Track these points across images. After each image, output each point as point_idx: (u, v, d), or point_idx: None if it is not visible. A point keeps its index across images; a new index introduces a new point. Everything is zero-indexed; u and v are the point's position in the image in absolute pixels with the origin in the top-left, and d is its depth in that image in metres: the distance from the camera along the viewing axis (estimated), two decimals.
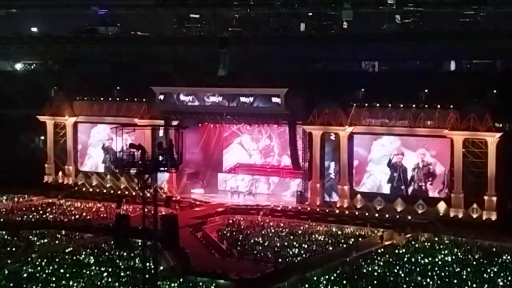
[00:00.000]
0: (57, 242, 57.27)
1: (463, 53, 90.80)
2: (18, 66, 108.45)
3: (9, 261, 49.72)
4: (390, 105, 66.15)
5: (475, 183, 62.18)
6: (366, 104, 67.23)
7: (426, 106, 64.83)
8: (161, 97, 73.79)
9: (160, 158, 33.84)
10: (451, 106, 63.57)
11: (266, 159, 78.75)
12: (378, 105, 66.67)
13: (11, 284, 44.68)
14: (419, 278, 46.30)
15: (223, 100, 71.19)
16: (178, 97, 73.10)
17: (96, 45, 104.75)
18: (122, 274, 46.89)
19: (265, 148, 78.86)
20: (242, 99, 70.20)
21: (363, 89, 70.06)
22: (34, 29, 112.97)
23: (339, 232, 59.92)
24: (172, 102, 73.50)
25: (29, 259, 50.52)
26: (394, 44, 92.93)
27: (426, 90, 67.34)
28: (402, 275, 47.19)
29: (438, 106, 64.08)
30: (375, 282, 45.55)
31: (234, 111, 71.30)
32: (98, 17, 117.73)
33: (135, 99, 76.68)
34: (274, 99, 68.74)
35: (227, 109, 71.25)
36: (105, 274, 46.86)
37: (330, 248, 54.84)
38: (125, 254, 51.33)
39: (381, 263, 50.38)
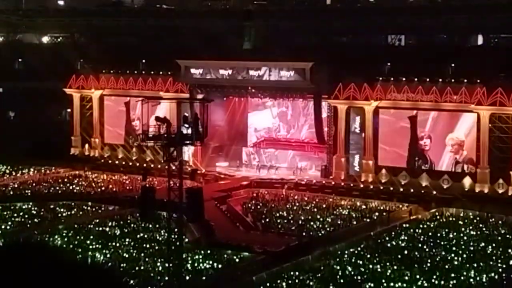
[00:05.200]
0: (82, 213, 57.89)
1: (491, 27, 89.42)
2: (45, 39, 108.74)
3: (36, 232, 50.36)
4: (416, 79, 65.65)
5: (501, 158, 61.76)
6: (392, 79, 66.79)
7: (453, 80, 64.25)
8: (186, 70, 73.80)
9: (185, 131, 34.02)
10: (478, 81, 62.89)
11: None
12: (404, 79, 66.20)
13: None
14: (444, 253, 46.28)
15: (247, 73, 70.91)
16: (203, 70, 73.03)
17: (122, 18, 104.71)
18: (147, 246, 47.32)
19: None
20: (267, 72, 69.91)
21: (389, 63, 69.57)
22: (61, 2, 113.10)
23: (364, 206, 59.93)
24: (196, 76, 73.49)
25: (56, 230, 51.14)
26: (421, 18, 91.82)
27: (452, 65, 66.70)
28: (427, 249, 47.17)
29: (465, 80, 63.46)
30: (399, 256, 45.59)
31: (259, 84, 71.07)
32: None
33: (161, 72, 76.81)
34: (299, 73, 68.47)
35: (252, 82, 71.01)
36: (130, 246, 47.35)
37: (354, 222, 54.92)
38: (150, 226, 51.79)
39: (406, 238, 50.39)
